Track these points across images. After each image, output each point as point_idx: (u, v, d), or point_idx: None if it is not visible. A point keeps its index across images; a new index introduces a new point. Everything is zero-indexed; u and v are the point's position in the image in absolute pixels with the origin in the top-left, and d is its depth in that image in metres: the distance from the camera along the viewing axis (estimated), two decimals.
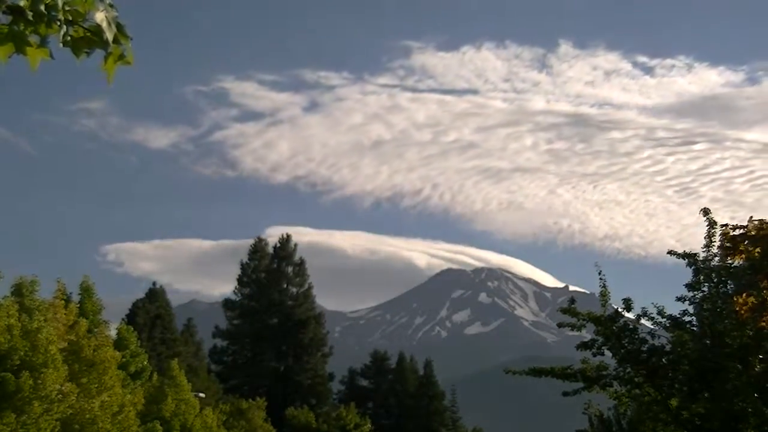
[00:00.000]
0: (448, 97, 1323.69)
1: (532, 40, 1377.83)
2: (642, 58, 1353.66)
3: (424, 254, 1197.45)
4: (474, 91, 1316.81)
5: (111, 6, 3.60)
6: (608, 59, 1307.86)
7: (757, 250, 13.19)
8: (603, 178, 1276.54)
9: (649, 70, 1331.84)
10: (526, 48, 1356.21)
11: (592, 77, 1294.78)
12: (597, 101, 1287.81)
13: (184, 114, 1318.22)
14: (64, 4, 3.53)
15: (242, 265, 76.48)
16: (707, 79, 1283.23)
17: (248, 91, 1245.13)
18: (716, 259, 16.66)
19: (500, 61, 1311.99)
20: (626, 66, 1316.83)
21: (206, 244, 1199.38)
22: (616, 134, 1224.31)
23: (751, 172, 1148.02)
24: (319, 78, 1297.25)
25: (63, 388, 24.69)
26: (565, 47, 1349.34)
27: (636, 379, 17.11)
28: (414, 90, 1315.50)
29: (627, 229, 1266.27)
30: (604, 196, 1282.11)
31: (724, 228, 16.11)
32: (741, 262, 15.65)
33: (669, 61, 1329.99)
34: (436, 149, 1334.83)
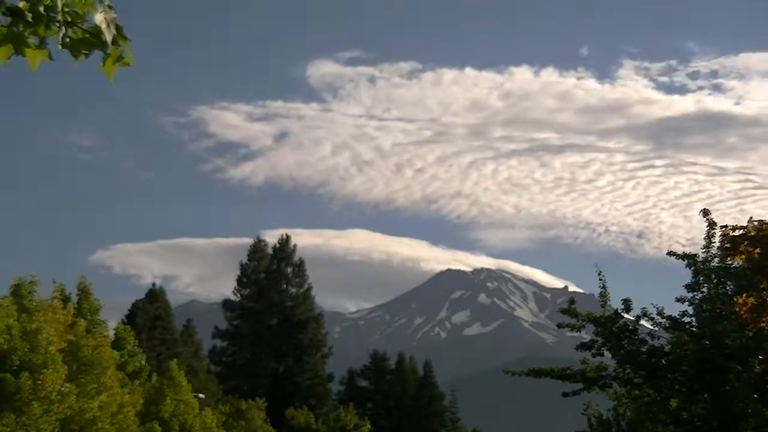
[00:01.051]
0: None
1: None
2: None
3: (424, 254, 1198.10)
4: None
5: (110, 7, 3.60)
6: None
7: (757, 250, 13.18)
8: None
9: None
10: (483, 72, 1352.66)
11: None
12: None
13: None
14: (64, 5, 3.52)
15: (242, 265, 76.50)
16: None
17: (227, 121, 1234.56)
18: (716, 259, 16.65)
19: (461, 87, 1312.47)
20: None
21: (206, 243, 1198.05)
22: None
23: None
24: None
25: (62, 388, 24.69)
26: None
27: (635, 380, 17.10)
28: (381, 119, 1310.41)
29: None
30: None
31: (723, 229, 16.11)
32: (741, 263, 15.65)
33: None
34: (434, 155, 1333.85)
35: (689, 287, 16.77)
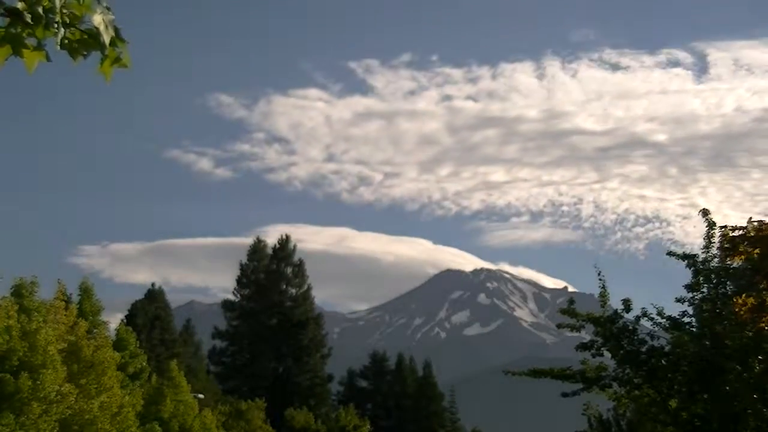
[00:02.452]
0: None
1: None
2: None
3: (424, 254, 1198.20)
4: None
5: (108, 9, 3.60)
6: None
7: (757, 251, 13.19)
8: None
9: None
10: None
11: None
12: None
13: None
14: (62, 6, 3.52)
15: (241, 265, 76.49)
16: None
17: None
18: (715, 260, 16.66)
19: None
20: None
21: (206, 243, 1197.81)
22: None
23: None
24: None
25: (62, 388, 24.66)
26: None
27: (635, 380, 17.11)
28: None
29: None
30: None
31: (723, 229, 16.11)
32: (740, 263, 15.66)
33: None
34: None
35: (689, 287, 16.77)
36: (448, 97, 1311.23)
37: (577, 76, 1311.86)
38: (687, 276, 16.92)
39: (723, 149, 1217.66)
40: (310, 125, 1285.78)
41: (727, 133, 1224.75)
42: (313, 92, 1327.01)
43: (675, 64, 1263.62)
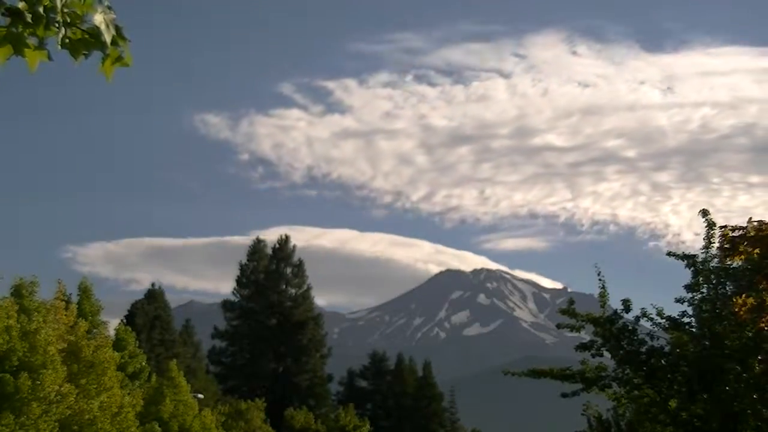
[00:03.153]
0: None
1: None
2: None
3: (423, 255, 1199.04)
4: None
5: (109, 8, 3.60)
6: None
7: (756, 251, 13.18)
8: None
9: None
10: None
11: None
12: None
13: None
14: (63, 6, 3.53)
15: (241, 266, 76.50)
16: None
17: None
18: (715, 260, 16.65)
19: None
20: None
21: (206, 243, 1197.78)
22: None
23: None
24: None
25: (62, 389, 24.67)
26: None
27: (635, 381, 17.11)
28: None
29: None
30: None
31: (723, 229, 16.11)
32: (740, 263, 15.65)
33: None
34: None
35: (689, 288, 16.77)
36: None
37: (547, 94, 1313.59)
38: (687, 276, 16.94)
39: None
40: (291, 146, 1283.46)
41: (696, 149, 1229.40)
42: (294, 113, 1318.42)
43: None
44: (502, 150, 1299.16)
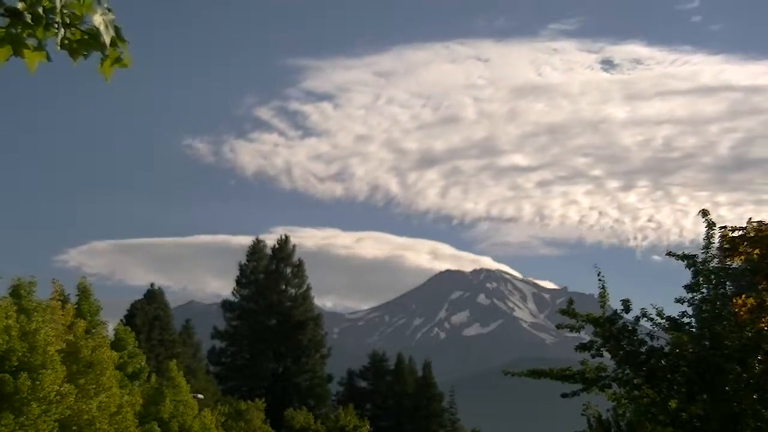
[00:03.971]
0: None
1: None
2: None
3: (423, 255, 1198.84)
4: None
5: (108, 9, 3.60)
6: None
7: (756, 251, 13.22)
8: None
9: None
10: None
11: None
12: None
13: None
14: (62, 7, 3.52)
15: (241, 266, 76.49)
16: None
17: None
18: (715, 260, 16.64)
19: None
20: None
21: (206, 243, 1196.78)
22: None
23: None
24: None
25: (61, 389, 24.67)
26: None
27: (635, 381, 17.08)
28: None
29: None
30: None
31: (723, 229, 16.11)
32: (740, 264, 15.66)
33: None
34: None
35: (688, 288, 16.74)
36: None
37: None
38: (687, 276, 16.92)
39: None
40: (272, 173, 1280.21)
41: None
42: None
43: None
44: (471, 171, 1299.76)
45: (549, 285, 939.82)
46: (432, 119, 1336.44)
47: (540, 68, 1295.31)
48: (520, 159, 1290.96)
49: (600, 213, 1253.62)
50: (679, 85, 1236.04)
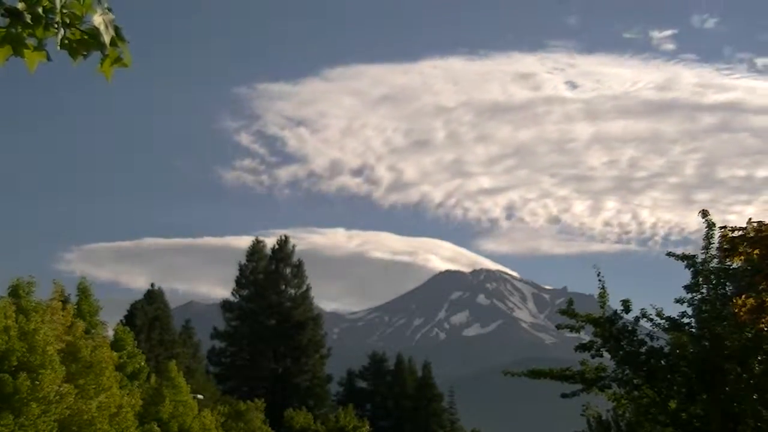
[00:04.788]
0: None
1: None
2: None
3: (424, 255, 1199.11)
4: None
5: (108, 9, 3.60)
6: None
7: (756, 251, 13.18)
8: None
9: None
10: None
11: None
12: None
13: None
14: (62, 6, 3.52)
15: (240, 266, 76.49)
16: None
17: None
18: (715, 260, 16.64)
19: None
20: None
21: (205, 244, 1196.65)
22: None
23: None
24: None
25: (61, 389, 24.68)
26: None
27: (634, 381, 17.09)
28: None
29: None
30: None
31: (723, 230, 16.09)
32: (740, 264, 15.64)
33: None
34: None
35: (688, 288, 16.75)
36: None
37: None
38: (686, 277, 16.92)
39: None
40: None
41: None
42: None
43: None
44: None
45: (549, 285, 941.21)
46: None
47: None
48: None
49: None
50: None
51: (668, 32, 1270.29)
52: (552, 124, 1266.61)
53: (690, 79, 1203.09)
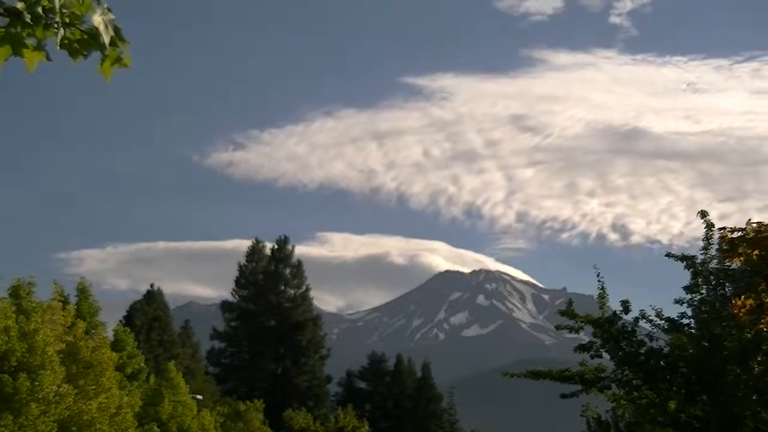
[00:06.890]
0: None
1: None
2: None
3: (423, 255, 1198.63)
4: None
5: (108, 9, 3.60)
6: None
7: (756, 252, 13.22)
8: None
9: None
10: None
11: None
12: None
13: None
14: (62, 6, 3.52)
15: (240, 267, 76.48)
16: None
17: None
18: (714, 261, 16.63)
19: None
20: None
21: (205, 245, 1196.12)
22: None
23: None
24: None
25: (60, 389, 24.67)
26: None
27: (634, 382, 17.07)
28: None
29: None
30: None
31: (722, 230, 16.11)
32: (739, 265, 15.66)
33: None
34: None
35: (688, 289, 16.73)
36: None
37: None
38: (686, 277, 16.91)
39: None
40: None
41: None
42: None
43: None
44: None
45: (549, 285, 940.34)
46: None
47: None
48: None
49: None
50: None
51: None
52: None
53: None
